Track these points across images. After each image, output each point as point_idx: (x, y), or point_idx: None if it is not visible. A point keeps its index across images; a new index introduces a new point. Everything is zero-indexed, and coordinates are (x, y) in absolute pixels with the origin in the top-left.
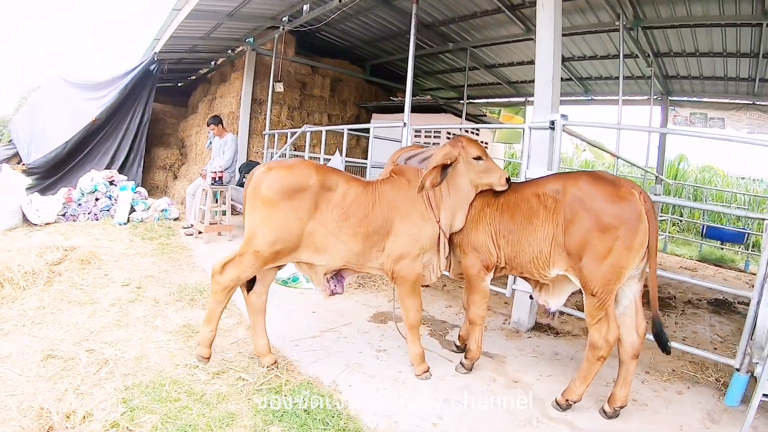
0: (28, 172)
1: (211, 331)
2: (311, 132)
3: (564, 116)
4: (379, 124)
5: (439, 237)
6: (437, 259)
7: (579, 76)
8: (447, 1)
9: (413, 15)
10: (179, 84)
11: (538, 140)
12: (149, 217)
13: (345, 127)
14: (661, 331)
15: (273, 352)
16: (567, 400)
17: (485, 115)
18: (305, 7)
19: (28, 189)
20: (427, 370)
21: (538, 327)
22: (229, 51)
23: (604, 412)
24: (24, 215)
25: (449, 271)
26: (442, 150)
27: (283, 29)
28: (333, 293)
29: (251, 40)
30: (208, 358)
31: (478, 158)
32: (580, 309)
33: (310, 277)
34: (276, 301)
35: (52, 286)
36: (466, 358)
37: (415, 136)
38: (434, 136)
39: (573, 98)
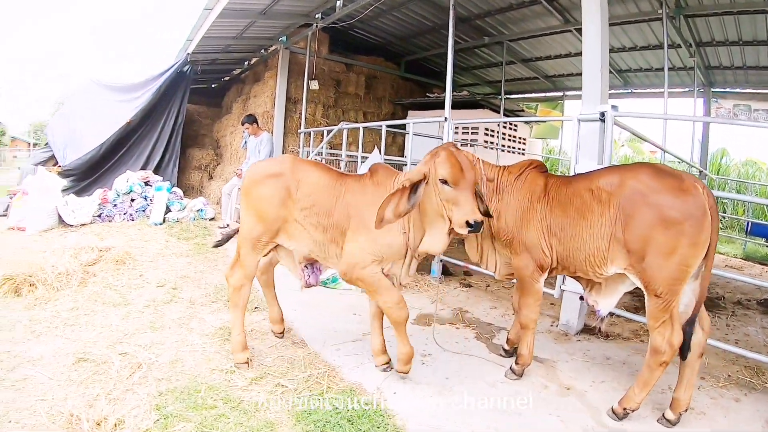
0: (63, 174)
1: (239, 335)
2: (348, 129)
3: (614, 107)
4: (418, 119)
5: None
6: (401, 272)
7: (618, 69)
8: None
9: (451, 7)
10: (213, 85)
11: (588, 133)
12: (185, 218)
13: (383, 124)
14: (690, 332)
15: (284, 322)
16: (624, 409)
17: (523, 111)
18: (338, 3)
19: (64, 191)
20: (407, 372)
21: (587, 330)
22: (262, 50)
23: (667, 419)
24: (60, 216)
25: (495, 272)
26: (418, 166)
27: (317, 26)
28: (308, 284)
29: (284, 38)
30: (248, 362)
31: (445, 182)
32: (629, 310)
33: (288, 268)
34: (315, 302)
35: (87, 287)
36: (516, 363)
37: (453, 131)
38: (472, 132)
39: (612, 91)
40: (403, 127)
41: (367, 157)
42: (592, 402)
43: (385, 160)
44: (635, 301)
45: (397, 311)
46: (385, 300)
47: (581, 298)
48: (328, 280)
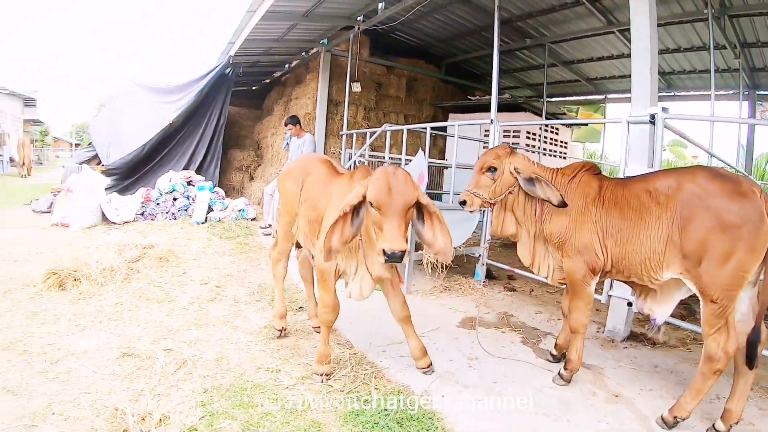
0: (107, 172)
1: (279, 302)
2: (390, 132)
3: (665, 109)
4: (463, 122)
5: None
6: (351, 278)
7: (661, 71)
8: None
9: (496, 8)
10: (253, 87)
11: (637, 136)
12: (226, 217)
13: (427, 126)
14: (756, 342)
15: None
16: (675, 417)
17: (564, 114)
18: (380, 6)
19: (107, 189)
20: (324, 374)
21: (633, 336)
22: (303, 53)
23: (717, 430)
24: (103, 214)
25: (548, 278)
26: (358, 187)
27: (358, 29)
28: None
29: (325, 41)
30: (282, 330)
31: (371, 204)
32: (676, 317)
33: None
34: (359, 304)
35: (130, 283)
36: (565, 369)
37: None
38: (513, 135)
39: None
40: (444, 129)
41: (410, 160)
42: (641, 410)
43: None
44: (682, 308)
45: (324, 313)
46: (321, 297)
47: (629, 304)
48: None
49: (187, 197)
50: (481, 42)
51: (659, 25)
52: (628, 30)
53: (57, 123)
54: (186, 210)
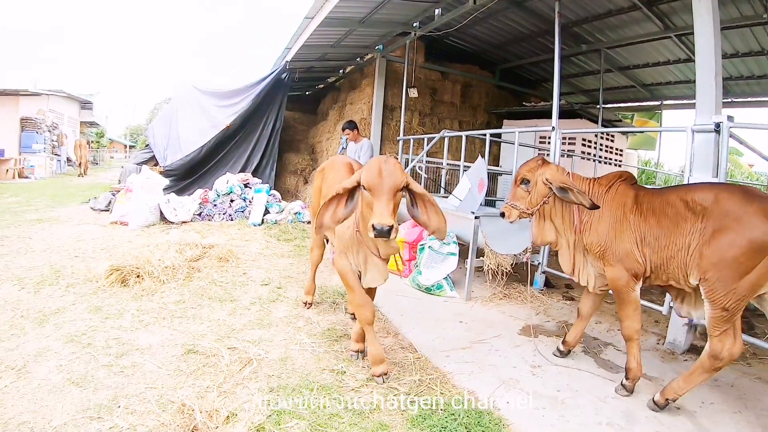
0: (165, 173)
1: (310, 282)
2: (449, 138)
3: (730, 118)
4: (525, 129)
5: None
6: (361, 268)
7: (728, 76)
8: (581, 0)
9: (556, 14)
10: (307, 92)
11: (701, 144)
12: (283, 220)
13: (487, 132)
14: None
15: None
16: (667, 399)
17: (620, 121)
18: (437, 12)
19: (164, 189)
20: (382, 374)
21: (693, 349)
22: (358, 58)
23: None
24: (162, 213)
25: (589, 285)
26: (355, 174)
27: (415, 35)
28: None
29: (381, 46)
30: (307, 303)
31: (364, 188)
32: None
33: None
34: (420, 309)
35: (192, 281)
36: (627, 378)
37: (548, 141)
38: (569, 142)
39: None
40: (498, 135)
41: (469, 166)
42: (703, 423)
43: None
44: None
45: (359, 312)
46: (351, 298)
47: (690, 321)
48: (432, 287)
49: (244, 199)
50: (535, 47)
51: None
52: (686, 35)
53: (111, 125)
54: (243, 212)
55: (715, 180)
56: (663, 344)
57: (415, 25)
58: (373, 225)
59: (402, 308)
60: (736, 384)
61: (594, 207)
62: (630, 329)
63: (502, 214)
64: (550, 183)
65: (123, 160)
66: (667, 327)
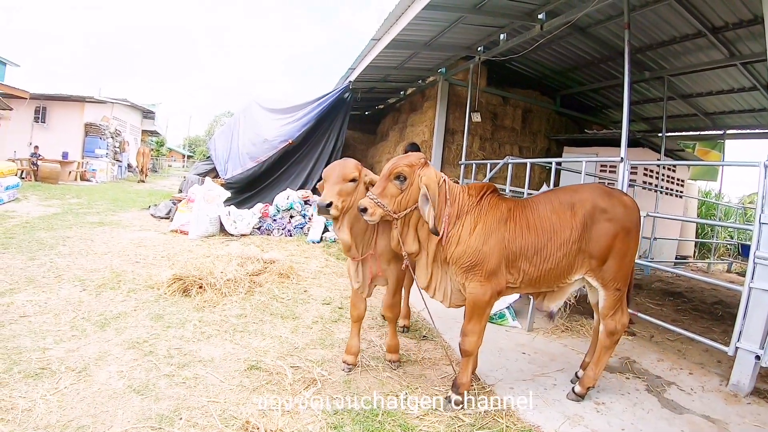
0: (226, 186)
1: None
2: (512, 164)
3: None
4: (592, 158)
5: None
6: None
7: None
8: (645, 28)
9: (626, 42)
10: (366, 112)
11: None
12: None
13: (553, 161)
14: None
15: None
16: (587, 389)
17: (683, 150)
18: (502, 37)
19: (225, 202)
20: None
21: (756, 392)
22: (420, 81)
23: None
24: (222, 225)
25: (444, 302)
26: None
27: (479, 59)
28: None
29: (443, 70)
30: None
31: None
32: None
33: None
34: (484, 338)
35: (253, 295)
36: (457, 392)
37: (611, 170)
38: (631, 172)
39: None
40: (560, 163)
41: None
42: None
43: None
44: None
45: (351, 308)
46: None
47: (757, 357)
48: (494, 316)
49: (304, 216)
50: (597, 74)
51: None
52: (751, 63)
53: (170, 135)
54: (302, 228)
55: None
56: (726, 386)
57: (479, 49)
58: (316, 203)
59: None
60: None
61: (435, 233)
62: (474, 345)
63: (364, 210)
64: (426, 187)
65: (181, 169)
66: (731, 368)
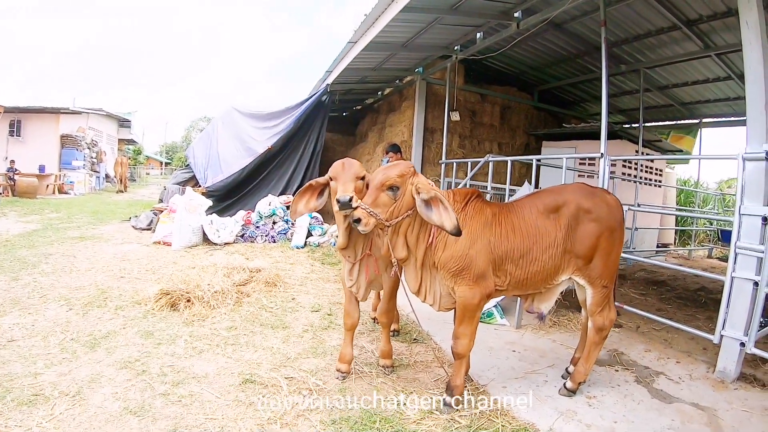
0: (206, 194)
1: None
2: (493, 162)
3: None
4: (571, 155)
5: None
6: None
7: None
8: (621, 22)
9: (602, 38)
10: (344, 113)
11: (753, 173)
12: (325, 242)
13: (534, 158)
14: None
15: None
16: (579, 384)
17: (660, 140)
18: (479, 36)
19: (206, 210)
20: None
21: (743, 377)
22: (398, 81)
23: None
24: (204, 234)
25: (434, 305)
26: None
27: (456, 58)
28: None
29: (421, 69)
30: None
31: (332, 180)
32: None
33: None
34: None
35: (242, 306)
36: (452, 395)
37: (590, 163)
38: (610, 164)
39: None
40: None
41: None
42: None
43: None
44: None
45: (344, 316)
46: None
47: (742, 344)
48: (483, 314)
49: (287, 221)
50: (574, 69)
51: None
52: (726, 53)
53: (148, 142)
54: (285, 234)
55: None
56: (713, 373)
57: (456, 48)
58: (337, 199)
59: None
60: None
61: (457, 233)
62: (466, 348)
63: (357, 220)
64: (419, 193)
65: (159, 177)
66: (717, 355)
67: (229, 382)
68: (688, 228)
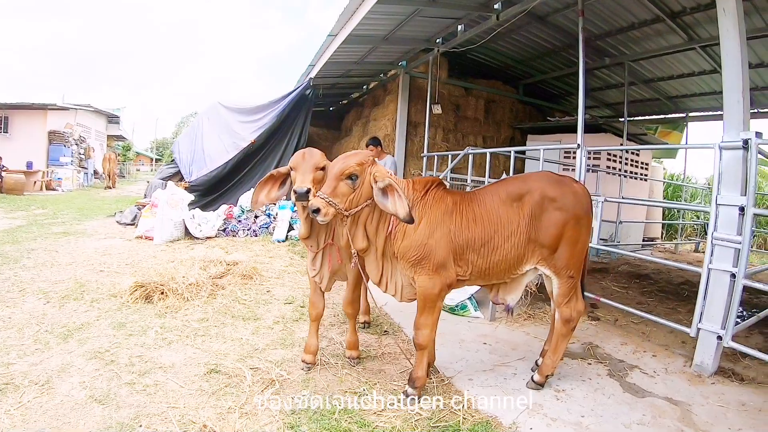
0: (190, 189)
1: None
2: (473, 155)
3: (758, 134)
4: (550, 146)
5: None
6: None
7: (754, 86)
8: (604, 14)
9: (580, 28)
10: (331, 108)
11: (730, 162)
12: None
13: (512, 149)
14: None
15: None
16: (546, 377)
17: (645, 134)
18: (460, 28)
19: (189, 205)
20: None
21: (721, 371)
22: (382, 75)
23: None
24: (186, 229)
25: (396, 296)
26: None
27: (438, 51)
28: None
29: (404, 63)
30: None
31: (292, 170)
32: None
33: None
34: (444, 330)
35: (216, 299)
36: (414, 387)
37: (573, 157)
38: (594, 157)
39: (756, 110)
40: (523, 152)
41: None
42: None
43: None
44: None
45: (309, 307)
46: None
47: (719, 338)
48: (456, 307)
49: (269, 215)
50: (559, 62)
51: (755, 38)
52: (710, 46)
53: (138, 139)
54: (267, 228)
55: (744, 197)
56: (690, 367)
57: (438, 41)
58: (294, 190)
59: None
60: (764, 408)
61: (410, 220)
62: (428, 338)
63: (316, 210)
64: (376, 182)
65: (149, 173)
66: (695, 348)
67: (194, 372)
68: (675, 222)
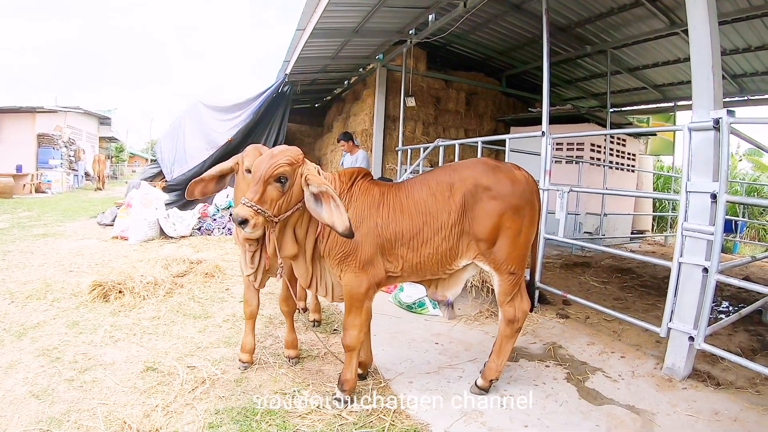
0: (168, 188)
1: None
2: (445, 147)
3: (731, 112)
4: (515, 135)
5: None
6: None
7: (732, 73)
8: (582, 0)
9: (543, 10)
10: (315, 105)
11: (700, 144)
12: None
13: (479, 140)
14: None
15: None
16: (490, 381)
17: (631, 124)
18: (430, 18)
19: (167, 204)
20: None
21: (695, 374)
22: (360, 69)
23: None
24: (161, 228)
25: (327, 296)
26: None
27: (411, 42)
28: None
29: (381, 56)
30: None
31: (248, 171)
32: (746, 354)
33: None
34: (397, 329)
35: (172, 297)
36: (343, 390)
37: (557, 147)
38: (577, 148)
39: (726, 99)
40: (502, 143)
41: None
42: None
43: None
44: (755, 342)
45: (244, 305)
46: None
47: (691, 338)
48: (414, 304)
49: None
50: (540, 52)
51: (725, 22)
52: None
53: (133, 140)
54: None
55: (716, 183)
56: (661, 369)
57: (410, 32)
58: (231, 213)
59: (377, 327)
60: (739, 417)
61: (349, 235)
62: (356, 340)
63: (244, 222)
64: (308, 185)
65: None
66: (666, 350)
67: (131, 370)
68: (665, 214)
